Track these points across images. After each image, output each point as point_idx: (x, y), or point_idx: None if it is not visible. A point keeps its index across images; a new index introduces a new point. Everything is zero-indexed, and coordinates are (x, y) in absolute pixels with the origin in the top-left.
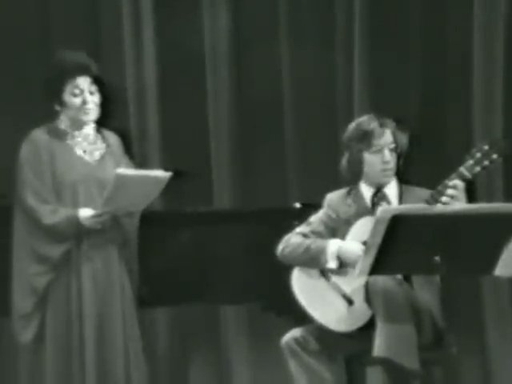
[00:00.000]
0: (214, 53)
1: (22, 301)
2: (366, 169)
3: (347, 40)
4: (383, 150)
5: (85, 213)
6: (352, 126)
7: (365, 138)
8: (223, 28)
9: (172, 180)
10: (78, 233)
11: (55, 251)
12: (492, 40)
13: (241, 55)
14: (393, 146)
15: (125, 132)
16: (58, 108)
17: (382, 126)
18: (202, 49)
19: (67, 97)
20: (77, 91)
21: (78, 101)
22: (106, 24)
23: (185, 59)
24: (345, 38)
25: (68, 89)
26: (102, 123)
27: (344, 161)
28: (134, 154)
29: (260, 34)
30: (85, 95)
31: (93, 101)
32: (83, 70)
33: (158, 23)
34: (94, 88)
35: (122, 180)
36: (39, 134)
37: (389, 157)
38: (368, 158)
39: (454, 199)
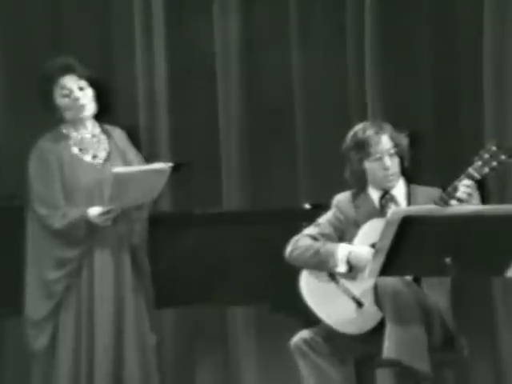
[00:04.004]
0: (224, 54)
1: (37, 305)
2: (369, 176)
3: (358, 43)
4: (383, 157)
5: (94, 211)
6: (349, 135)
7: (362, 148)
8: (234, 30)
9: (181, 180)
10: (90, 232)
11: (71, 254)
12: (503, 37)
13: (251, 57)
14: (392, 151)
15: (135, 132)
16: (58, 115)
17: (377, 132)
18: (213, 50)
19: (59, 100)
20: (66, 91)
21: (69, 100)
22: (118, 25)
23: (195, 61)
24: (356, 41)
25: (57, 92)
26: (111, 122)
27: (347, 171)
28: (144, 154)
29: (270, 36)
30: (74, 93)
31: (85, 96)
32: (65, 70)
33: (169, 25)
34: (83, 83)
35: (120, 178)
36: (45, 142)
37: (389, 163)
38: (369, 166)
39: (464, 201)
